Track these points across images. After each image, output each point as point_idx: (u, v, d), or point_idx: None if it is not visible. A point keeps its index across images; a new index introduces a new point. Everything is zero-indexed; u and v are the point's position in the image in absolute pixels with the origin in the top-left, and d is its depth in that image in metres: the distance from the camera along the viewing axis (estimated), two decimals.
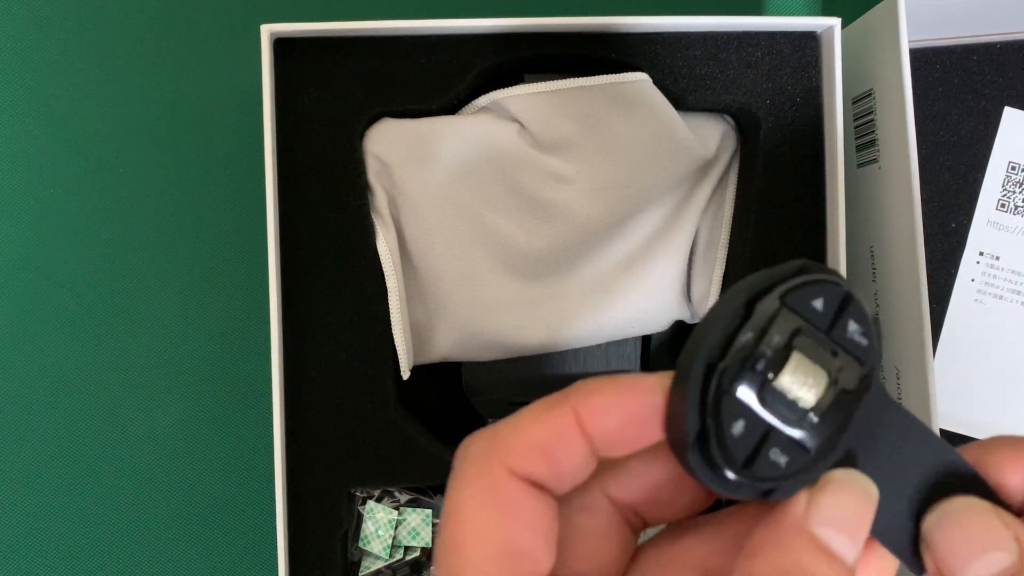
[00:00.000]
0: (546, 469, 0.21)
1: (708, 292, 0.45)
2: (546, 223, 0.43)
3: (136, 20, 0.52)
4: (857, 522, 0.20)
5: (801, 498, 0.20)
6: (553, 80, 0.42)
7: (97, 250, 0.52)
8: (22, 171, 0.52)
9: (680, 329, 0.47)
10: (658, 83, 0.42)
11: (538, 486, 0.21)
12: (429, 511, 0.43)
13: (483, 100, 0.43)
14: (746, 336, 0.20)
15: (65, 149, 0.52)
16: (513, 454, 0.21)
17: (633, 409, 0.21)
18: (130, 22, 0.52)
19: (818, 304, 0.21)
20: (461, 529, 0.21)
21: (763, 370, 0.20)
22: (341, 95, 0.42)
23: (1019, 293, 0.48)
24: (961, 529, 0.21)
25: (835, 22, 0.41)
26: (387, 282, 0.42)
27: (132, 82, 0.52)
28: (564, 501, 0.22)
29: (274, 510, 0.40)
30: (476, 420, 0.47)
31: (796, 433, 0.20)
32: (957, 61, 0.49)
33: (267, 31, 0.40)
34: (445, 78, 0.42)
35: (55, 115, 0.52)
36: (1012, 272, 0.48)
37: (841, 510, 0.20)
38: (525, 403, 0.22)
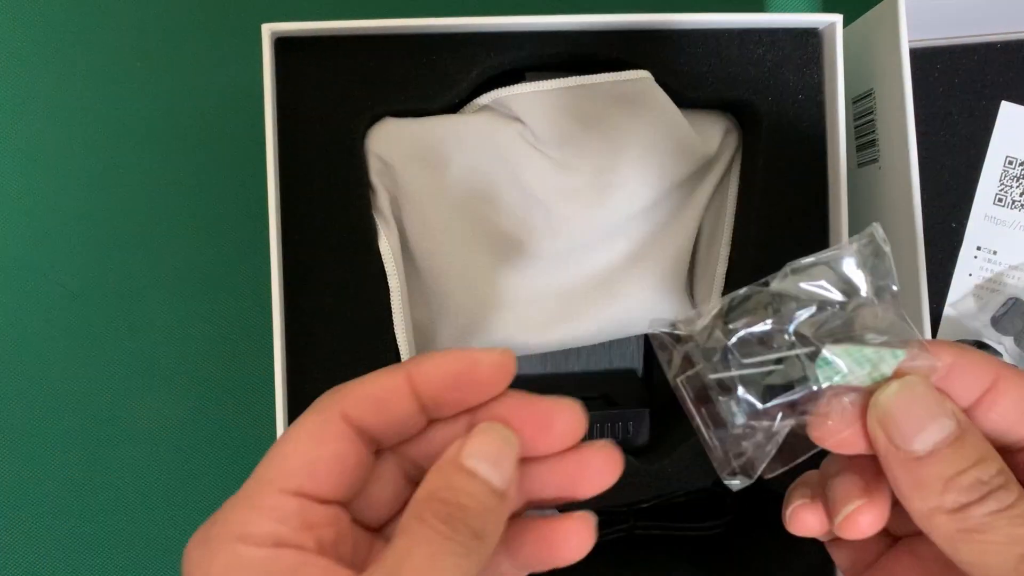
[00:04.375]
0: (375, 419, 0.26)
1: (710, 289, 0.45)
2: (548, 221, 0.43)
3: (136, 19, 0.51)
4: (497, 454, 0.25)
5: (457, 442, 0.26)
6: (555, 79, 0.42)
7: (97, 249, 0.51)
8: (21, 170, 0.51)
9: None
10: (660, 81, 0.42)
11: (365, 435, 0.26)
12: None
13: (485, 99, 0.43)
14: None
15: (64, 148, 0.51)
16: (349, 401, 0.26)
17: (455, 373, 0.26)
18: (130, 21, 0.51)
19: None
20: (280, 447, 0.25)
21: None
22: (342, 94, 0.41)
23: (1017, 288, 0.49)
24: (915, 397, 0.25)
25: (837, 18, 0.42)
26: (389, 282, 0.42)
27: (132, 81, 0.51)
28: (389, 459, 0.28)
29: None
30: None
31: None
32: (957, 61, 0.49)
33: (268, 30, 0.40)
34: (447, 77, 0.42)
35: (54, 114, 0.51)
36: (1010, 267, 0.49)
37: (482, 446, 0.25)
38: None
